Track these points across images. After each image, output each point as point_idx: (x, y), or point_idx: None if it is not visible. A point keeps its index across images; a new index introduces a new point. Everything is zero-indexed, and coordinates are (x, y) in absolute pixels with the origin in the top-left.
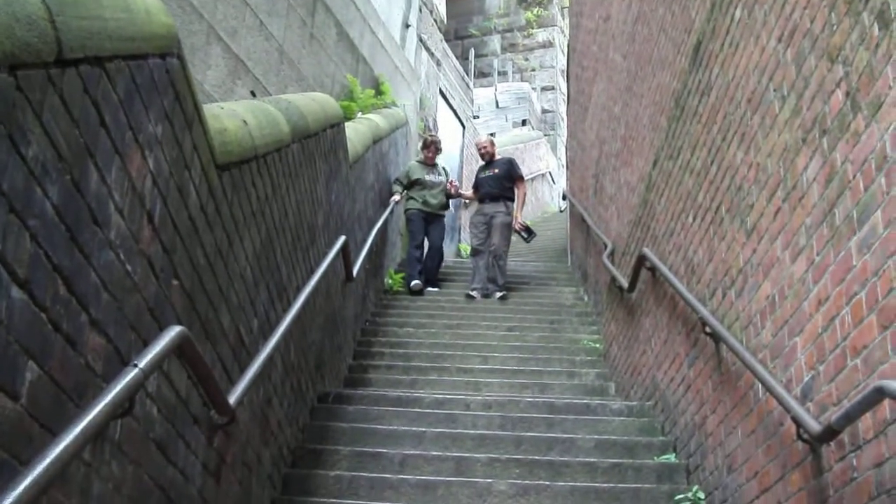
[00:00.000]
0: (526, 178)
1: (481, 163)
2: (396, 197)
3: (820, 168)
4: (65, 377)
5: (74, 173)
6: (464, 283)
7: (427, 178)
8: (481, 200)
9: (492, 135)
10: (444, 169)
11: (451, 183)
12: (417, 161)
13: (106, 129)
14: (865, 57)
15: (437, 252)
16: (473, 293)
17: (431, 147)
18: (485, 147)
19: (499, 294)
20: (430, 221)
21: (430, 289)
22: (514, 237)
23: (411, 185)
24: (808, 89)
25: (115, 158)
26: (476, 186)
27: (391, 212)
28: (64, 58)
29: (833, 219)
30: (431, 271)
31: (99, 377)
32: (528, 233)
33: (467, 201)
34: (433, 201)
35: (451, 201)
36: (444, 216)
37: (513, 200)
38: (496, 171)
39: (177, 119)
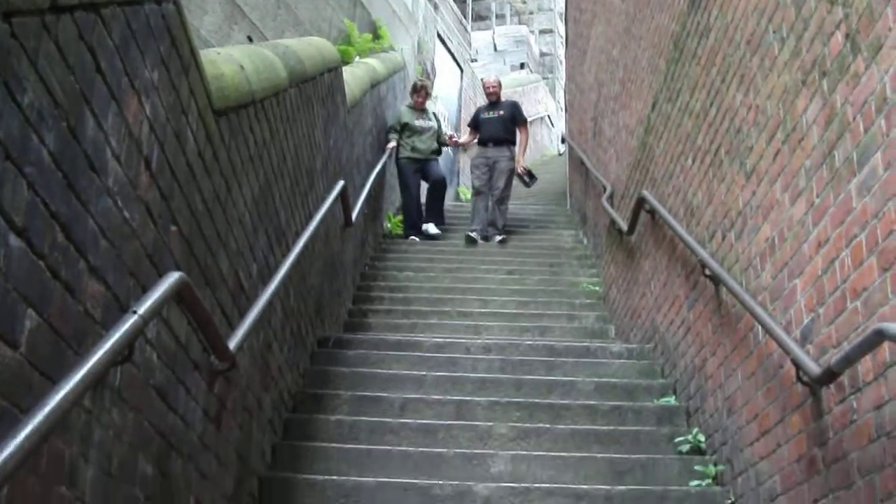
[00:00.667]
0: None
1: (483, 103)
2: (392, 143)
3: (820, 110)
4: (64, 325)
5: (71, 120)
6: (464, 226)
7: (417, 122)
8: (483, 143)
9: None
10: (434, 114)
11: (450, 138)
12: (407, 106)
13: (102, 76)
14: None
15: (439, 183)
16: (473, 234)
17: (421, 91)
18: (493, 87)
19: (498, 237)
20: (422, 166)
21: (433, 231)
22: (515, 181)
23: (401, 129)
24: (807, 31)
25: (111, 105)
26: (476, 126)
27: (389, 156)
28: (59, 4)
29: (833, 161)
30: (437, 204)
31: (98, 324)
32: (530, 177)
33: (466, 147)
34: (423, 146)
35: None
36: (436, 160)
37: (515, 144)
38: (501, 112)
39: (173, 64)
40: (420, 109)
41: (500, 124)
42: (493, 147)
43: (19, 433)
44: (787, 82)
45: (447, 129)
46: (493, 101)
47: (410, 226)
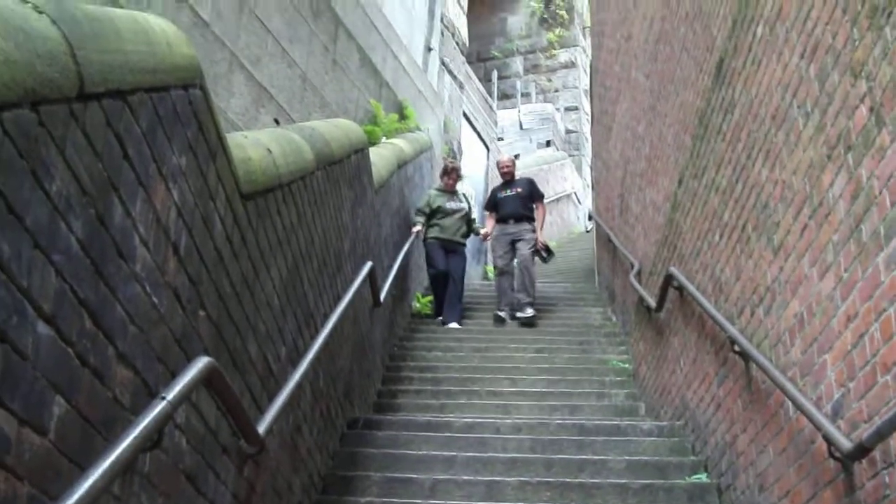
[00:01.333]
0: (551, 199)
1: (499, 181)
2: (417, 227)
3: (846, 184)
4: (92, 411)
5: (98, 207)
6: (491, 306)
7: (448, 205)
8: (503, 220)
9: (516, 156)
10: (464, 196)
11: (484, 236)
12: (437, 189)
13: (129, 162)
14: (889, 72)
15: (456, 286)
16: (502, 314)
17: (452, 174)
18: (507, 167)
19: (529, 311)
20: (448, 251)
21: (451, 325)
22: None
23: (432, 213)
24: (831, 105)
25: (139, 191)
26: (494, 206)
27: (414, 240)
28: (86, 92)
29: (860, 235)
30: (452, 307)
31: (127, 410)
32: (548, 252)
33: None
34: (450, 226)
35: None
36: (464, 245)
37: (534, 220)
38: (518, 190)
39: (200, 150)
40: (450, 192)
41: (518, 201)
42: (514, 224)
43: None
44: (812, 157)
45: (476, 216)
46: (508, 179)
47: (440, 305)
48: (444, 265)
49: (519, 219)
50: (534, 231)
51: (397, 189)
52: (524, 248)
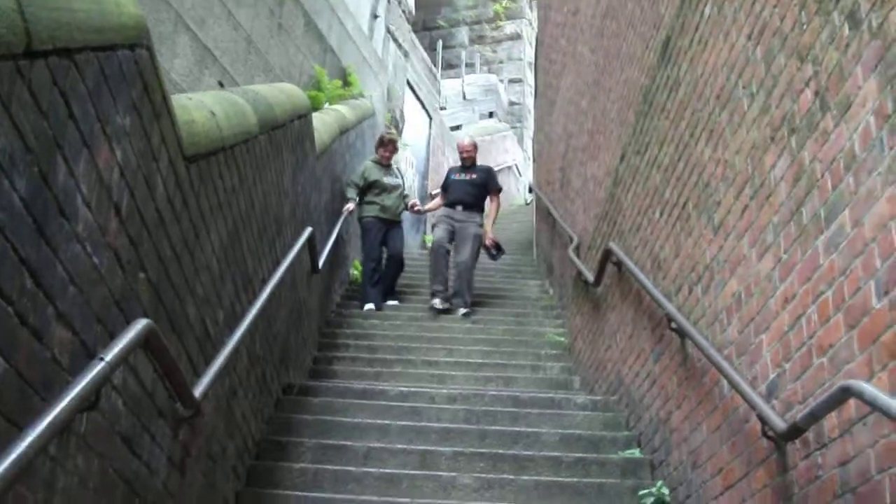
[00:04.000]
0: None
1: (455, 163)
2: (350, 206)
3: (788, 166)
4: (31, 371)
5: (42, 165)
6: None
7: (385, 179)
8: (451, 205)
9: (457, 127)
10: (398, 170)
11: (412, 206)
12: (372, 161)
13: (74, 121)
14: (835, 57)
15: (397, 261)
16: (437, 303)
17: (389, 146)
18: (468, 151)
19: (462, 310)
20: (388, 228)
21: (389, 302)
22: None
23: (368, 187)
24: (777, 87)
25: (83, 150)
26: (445, 188)
27: (344, 219)
28: (33, 49)
29: (800, 217)
30: (389, 281)
31: (65, 371)
32: (498, 250)
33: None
34: (391, 205)
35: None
36: (401, 222)
37: (483, 212)
38: (474, 176)
39: (145, 110)
40: (386, 165)
41: (471, 188)
42: (462, 211)
43: None
44: (755, 138)
45: (410, 192)
46: (468, 164)
47: (369, 292)
48: (380, 254)
49: (468, 206)
50: (481, 225)
51: (339, 155)
52: (465, 252)
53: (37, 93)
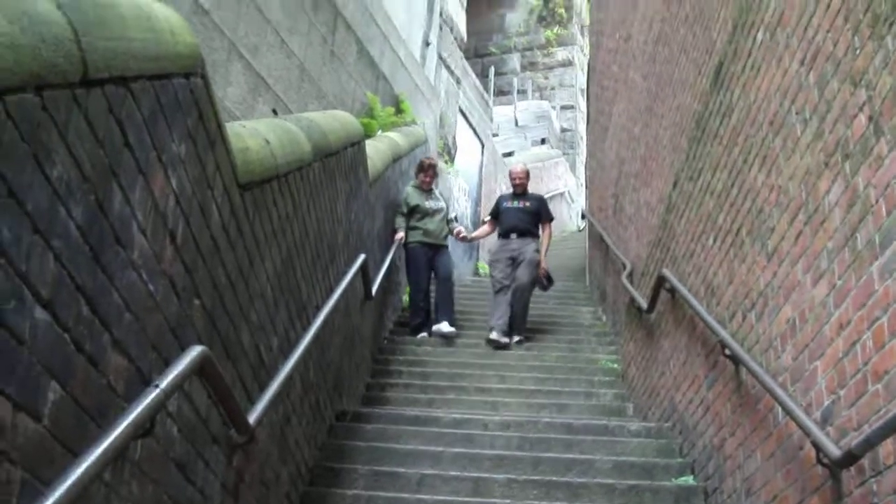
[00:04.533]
0: (545, 196)
1: (506, 191)
2: (400, 234)
3: (842, 192)
4: (87, 397)
5: (98, 193)
6: (482, 303)
7: (427, 204)
8: (506, 234)
9: (509, 153)
10: (440, 194)
11: (457, 232)
12: (413, 186)
13: (130, 149)
14: (889, 81)
15: (447, 282)
16: (494, 335)
17: (429, 171)
18: (520, 178)
19: (517, 338)
20: (433, 253)
21: (445, 330)
22: None
23: (410, 212)
24: (830, 113)
25: (138, 178)
26: (496, 216)
27: (397, 247)
28: (89, 78)
29: (855, 243)
30: (445, 305)
31: (120, 397)
32: (549, 280)
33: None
34: (435, 229)
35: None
36: (447, 246)
37: (538, 239)
38: (527, 204)
39: (200, 138)
40: (427, 190)
41: (525, 215)
42: (518, 238)
43: None
44: (809, 164)
45: (456, 216)
46: (520, 192)
47: (418, 321)
48: (428, 280)
49: (522, 233)
50: (537, 251)
51: (392, 182)
52: (524, 276)
53: (93, 121)
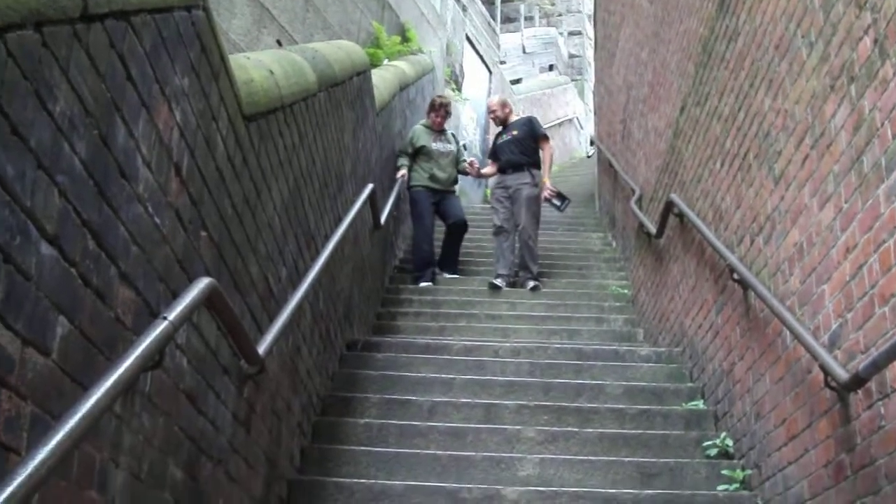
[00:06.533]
0: (553, 123)
1: (480, 129)
2: (402, 171)
3: (848, 115)
4: (95, 331)
5: (102, 128)
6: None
7: (434, 146)
8: (502, 170)
9: (517, 80)
10: (453, 135)
11: (470, 163)
12: (422, 125)
13: (132, 83)
14: (894, 4)
15: (458, 228)
16: (498, 282)
17: (440, 110)
18: (494, 112)
19: (531, 284)
20: (440, 199)
21: (447, 275)
22: (545, 205)
23: (415, 153)
24: (835, 36)
25: (141, 112)
26: (494, 155)
27: (399, 185)
28: (89, 13)
29: (861, 166)
30: (450, 252)
31: (129, 330)
32: (561, 199)
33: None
34: (442, 175)
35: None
36: (455, 192)
37: (538, 167)
38: (514, 133)
39: (203, 71)
40: (438, 130)
41: (515, 146)
42: (513, 173)
43: (51, 439)
44: (815, 87)
45: (466, 153)
46: (499, 124)
47: (421, 267)
48: (432, 224)
49: (516, 167)
50: (535, 183)
51: (399, 111)
52: (524, 218)
53: (94, 56)
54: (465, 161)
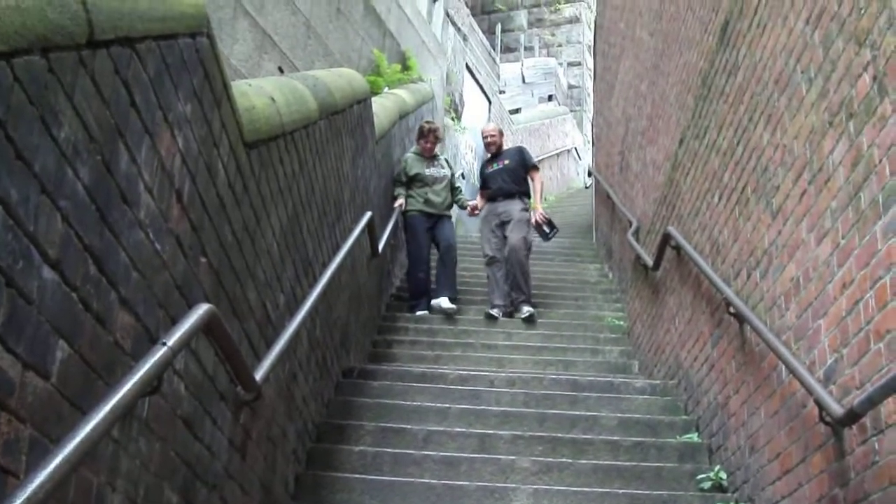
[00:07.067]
0: (551, 154)
1: (486, 156)
2: (400, 201)
3: (846, 151)
4: (94, 356)
5: (105, 153)
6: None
7: (427, 172)
8: (492, 199)
9: (516, 110)
10: (446, 161)
11: (472, 209)
12: (413, 153)
13: (136, 110)
14: (893, 42)
15: (449, 253)
16: (494, 312)
17: (430, 136)
18: (492, 137)
19: (526, 309)
20: (434, 223)
21: (445, 306)
22: (535, 236)
23: (409, 181)
24: (835, 72)
25: (144, 138)
26: (483, 184)
27: (396, 218)
28: (95, 39)
29: (858, 202)
30: (446, 279)
31: (128, 355)
32: (550, 227)
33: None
34: (436, 199)
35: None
36: (450, 216)
37: (529, 196)
38: (506, 162)
39: (206, 98)
40: (429, 157)
41: (507, 175)
42: (504, 200)
43: (49, 463)
44: (814, 123)
45: (464, 182)
46: (494, 151)
47: (417, 296)
48: (428, 250)
49: (508, 195)
50: (526, 209)
51: (398, 139)
52: (515, 237)
53: (99, 82)
54: (464, 199)
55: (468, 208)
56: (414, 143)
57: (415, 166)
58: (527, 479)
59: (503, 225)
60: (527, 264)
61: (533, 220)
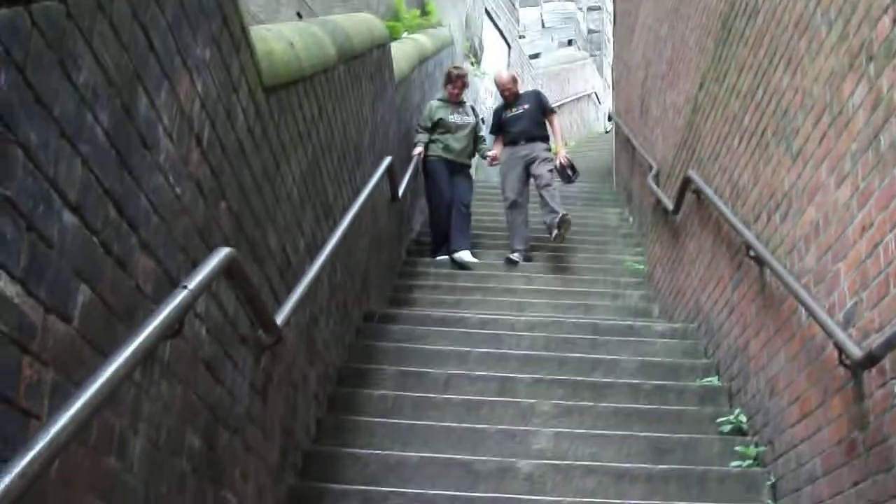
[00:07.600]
0: (571, 99)
1: (499, 102)
2: (418, 149)
3: (866, 94)
4: (116, 299)
5: (124, 98)
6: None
7: (451, 118)
8: (514, 142)
9: (536, 55)
10: (472, 108)
11: (492, 159)
12: (439, 99)
13: (155, 54)
14: None
15: (464, 211)
16: (514, 256)
17: (457, 82)
18: (507, 87)
19: (556, 230)
20: (454, 171)
21: (466, 259)
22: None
23: (433, 126)
24: (854, 14)
25: (163, 83)
26: (500, 128)
27: (415, 164)
28: None
29: (878, 145)
30: (463, 233)
31: (149, 299)
32: (573, 171)
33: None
34: (457, 146)
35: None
36: (470, 166)
37: (548, 139)
38: (526, 106)
39: (224, 42)
40: (455, 102)
41: (527, 120)
42: (526, 143)
43: (72, 406)
44: (833, 65)
45: (483, 118)
46: (512, 99)
47: (440, 241)
48: (450, 193)
49: (530, 138)
50: (548, 149)
51: (418, 84)
52: (542, 169)
53: (117, 27)
54: (486, 150)
55: (487, 159)
56: (437, 90)
57: (438, 112)
58: (547, 422)
59: (528, 165)
60: (556, 190)
61: (556, 164)
